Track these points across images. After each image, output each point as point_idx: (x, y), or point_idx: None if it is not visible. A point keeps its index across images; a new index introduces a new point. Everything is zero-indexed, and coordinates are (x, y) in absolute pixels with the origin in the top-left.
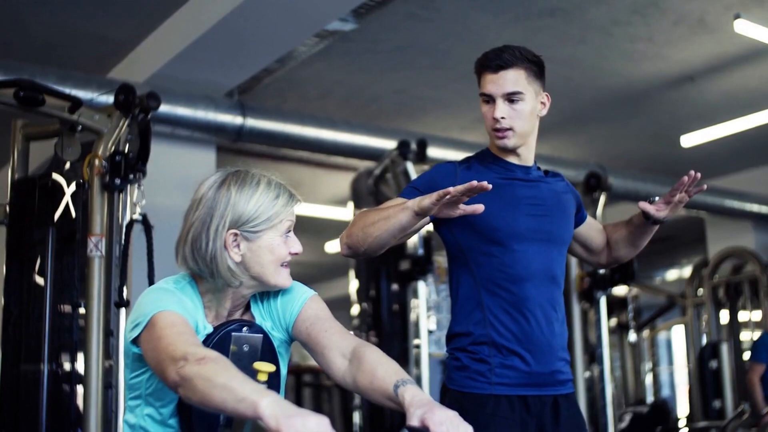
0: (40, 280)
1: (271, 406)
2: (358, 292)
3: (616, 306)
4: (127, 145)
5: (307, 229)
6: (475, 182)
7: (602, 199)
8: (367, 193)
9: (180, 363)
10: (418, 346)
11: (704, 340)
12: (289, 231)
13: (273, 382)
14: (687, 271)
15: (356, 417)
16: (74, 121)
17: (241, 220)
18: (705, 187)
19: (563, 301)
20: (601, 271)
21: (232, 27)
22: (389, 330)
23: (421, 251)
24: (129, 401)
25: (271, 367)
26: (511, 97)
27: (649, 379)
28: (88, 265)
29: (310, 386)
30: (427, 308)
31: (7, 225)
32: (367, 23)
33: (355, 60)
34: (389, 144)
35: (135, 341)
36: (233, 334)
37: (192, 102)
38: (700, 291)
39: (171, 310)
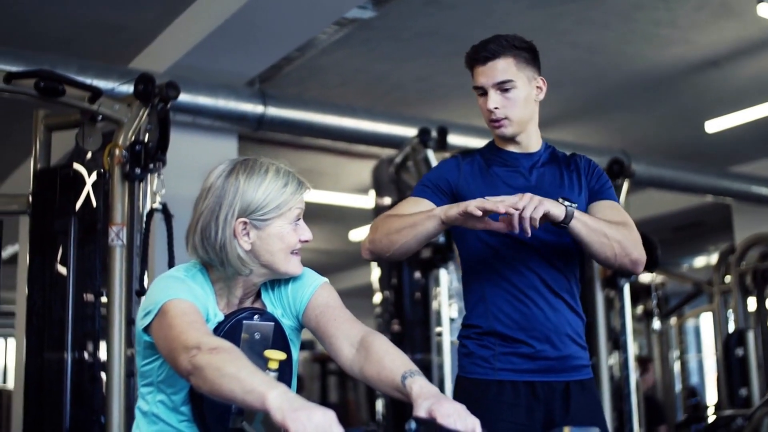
0: (62, 269)
1: (278, 398)
2: (381, 280)
3: (643, 293)
4: (147, 134)
5: (331, 217)
6: (501, 208)
7: (625, 185)
8: (389, 181)
9: (192, 352)
10: (440, 334)
11: (732, 328)
12: (299, 218)
13: (284, 370)
14: (714, 258)
15: (379, 405)
16: (94, 111)
17: (250, 208)
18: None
19: (572, 286)
20: None
21: (252, 15)
22: (411, 318)
23: (442, 239)
24: (141, 388)
25: (282, 355)
26: (502, 86)
27: (677, 367)
28: (109, 255)
29: (335, 374)
30: (449, 296)
31: (30, 215)
32: (387, 10)
33: (376, 48)
34: (411, 132)
35: (146, 329)
36: (244, 322)
37: (213, 91)
38: (728, 278)
39: (181, 298)
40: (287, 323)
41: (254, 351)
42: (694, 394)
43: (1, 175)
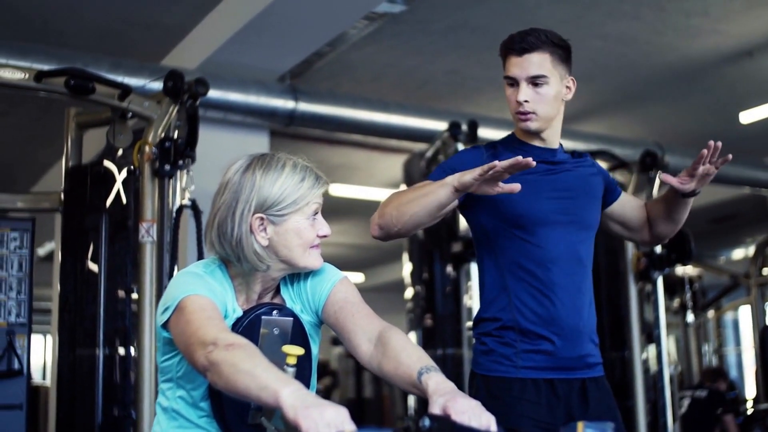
0: (93, 266)
1: (291, 396)
2: (412, 275)
3: (680, 287)
4: (177, 131)
5: (364, 212)
6: (520, 158)
7: (658, 177)
8: (420, 176)
9: (209, 348)
10: (471, 329)
11: None
12: (316, 213)
13: (304, 365)
14: (752, 251)
15: (411, 400)
16: (124, 109)
17: (266, 203)
18: (730, 157)
19: (591, 284)
20: (658, 250)
21: (281, 11)
22: (443, 313)
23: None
24: (161, 384)
25: (300, 351)
26: (535, 81)
27: (714, 361)
28: (139, 251)
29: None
30: None
31: (62, 212)
32: (417, 4)
33: (407, 42)
34: (442, 126)
35: (165, 325)
36: (263, 317)
37: (244, 87)
38: (765, 270)
39: (199, 294)
40: (306, 318)
41: (273, 346)
42: (732, 387)
43: (37, 174)
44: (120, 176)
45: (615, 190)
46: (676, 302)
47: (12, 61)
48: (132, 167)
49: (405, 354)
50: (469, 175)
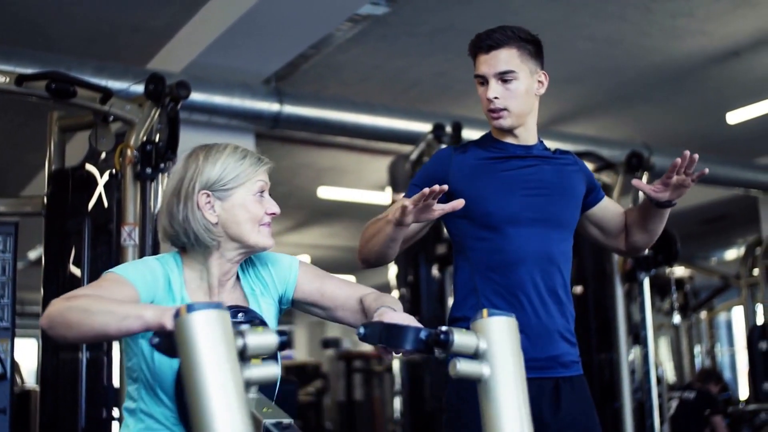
0: (76, 270)
1: (154, 311)
2: (398, 277)
3: (669, 287)
4: (159, 134)
5: (354, 215)
6: (426, 189)
7: (645, 178)
8: (405, 178)
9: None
10: None
11: (761, 321)
12: (262, 191)
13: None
14: (743, 251)
15: (397, 402)
16: (106, 112)
17: (209, 181)
18: (706, 171)
19: (567, 283)
20: (644, 252)
21: (265, 14)
22: (429, 315)
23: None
24: (128, 387)
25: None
26: (504, 77)
27: (707, 362)
28: (122, 254)
29: (360, 372)
30: None
31: (45, 216)
32: (401, 6)
33: (393, 44)
34: (428, 128)
35: None
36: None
37: (228, 90)
38: (756, 271)
39: (119, 273)
40: (266, 304)
41: None
42: (726, 389)
43: (26, 178)
44: (102, 180)
45: (597, 193)
46: (667, 303)
47: None
48: (114, 171)
49: (374, 304)
50: (398, 213)
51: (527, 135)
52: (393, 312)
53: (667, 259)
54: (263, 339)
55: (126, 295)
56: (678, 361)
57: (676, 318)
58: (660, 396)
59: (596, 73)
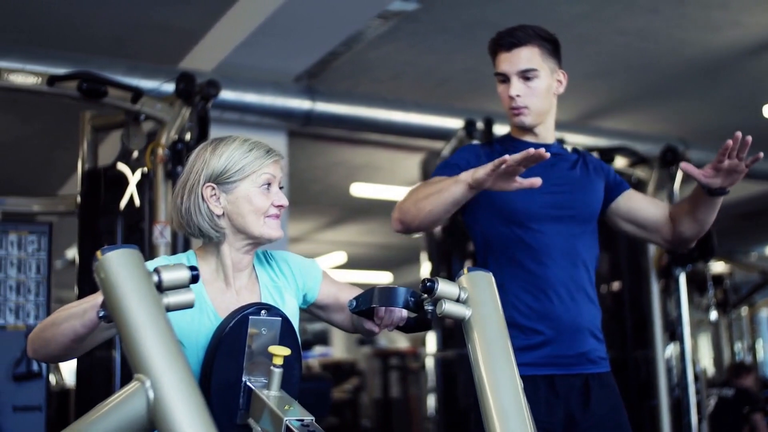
0: None
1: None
2: (431, 274)
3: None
4: (189, 133)
5: (386, 212)
6: (532, 150)
7: (680, 173)
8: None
9: None
10: None
11: None
12: (268, 184)
13: (293, 365)
14: None
15: (431, 400)
16: (137, 111)
17: (214, 173)
18: (761, 155)
19: (592, 279)
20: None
21: (293, 12)
22: None
23: None
24: None
25: (286, 351)
26: (525, 75)
27: (748, 358)
28: (154, 252)
29: (396, 369)
30: None
31: (78, 215)
32: (431, 2)
33: (424, 40)
34: (460, 124)
35: None
36: (251, 317)
37: (260, 88)
38: None
39: None
40: (290, 300)
41: (261, 346)
42: (766, 385)
43: (63, 178)
44: (134, 179)
45: (618, 186)
46: (706, 299)
47: (29, 66)
48: (145, 169)
49: None
50: (481, 171)
51: (546, 133)
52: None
53: (704, 254)
54: (177, 273)
55: None
56: (718, 358)
57: (713, 314)
58: (698, 393)
59: (629, 67)
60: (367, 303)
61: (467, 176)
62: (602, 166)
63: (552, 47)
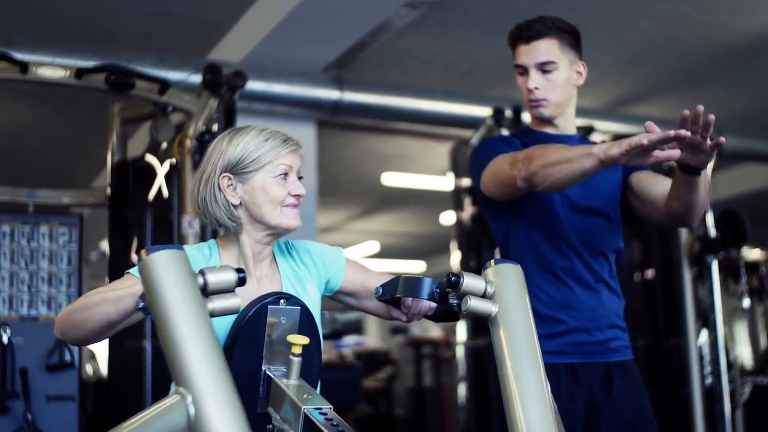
0: (138, 259)
1: (140, 283)
2: (461, 263)
3: (749, 270)
4: (216, 124)
5: (421, 201)
6: (672, 132)
7: (712, 161)
8: (466, 162)
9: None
10: None
11: None
12: (285, 174)
13: (313, 354)
14: None
15: (461, 389)
16: (164, 103)
17: (230, 163)
18: (723, 140)
19: (613, 268)
20: (712, 234)
21: (322, 1)
22: None
23: None
24: None
25: (305, 340)
26: (544, 67)
27: None
28: (182, 242)
29: (429, 358)
30: None
31: (108, 207)
32: None
33: (452, 29)
34: (489, 112)
35: None
36: (270, 306)
37: (288, 78)
38: None
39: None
40: (311, 289)
41: (281, 335)
42: None
43: (95, 170)
44: (162, 170)
45: (638, 168)
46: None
47: (58, 60)
48: (174, 161)
49: None
50: (615, 149)
51: (566, 124)
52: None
53: (736, 241)
54: (223, 275)
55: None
56: (755, 346)
57: (746, 302)
58: (731, 381)
59: (660, 53)
60: (392, 292)
61: (599, 151)
62: None
63: (572, 39)
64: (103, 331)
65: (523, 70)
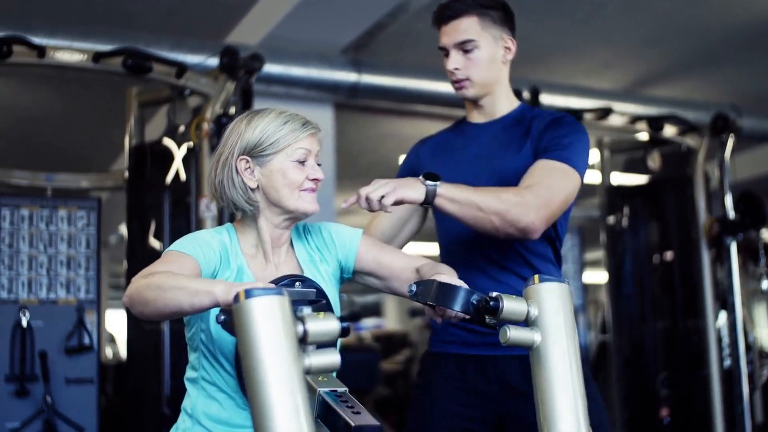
0: (156, 243)
1: (223, 287)
2: None
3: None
4: (233, 107)
5: None
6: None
7: (730, 141)
8: None
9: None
10: None
11: None
12: (304, 158)
13: None
14: None
15: None
16: (182, 86)
17: (248, 146)
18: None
19: (531, 258)
20: (731, 216)
21: None
22: None
23: None
24: (190, 357)
25: None
26: (463, 47)
27: None
28: (201, 227)
29: None
30: None
31: (126, 191)
32: None
33: None
34: None
35: None
36: (286, 289)
37: (305, 61)
38: None
39: (179, 250)
40: (326, 272)
41: None
42: None
43: (113, 154)
44: (179, 153)
45: (543, 147)
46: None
47: (76, 44)
48: (191, 144)
49: (431, 272)
50: None
51: (494, 106)
52: (446, 270)
53: (755, 222)
54: (325, 326)
55: (190, 268)
56: None
57: (765, 284)
58: (750, 363)
59: (679, 33)
60: (426, 297)
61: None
62: (545, 128)
63: (497, 14)
64: (170, 315)
65: (446, 52)
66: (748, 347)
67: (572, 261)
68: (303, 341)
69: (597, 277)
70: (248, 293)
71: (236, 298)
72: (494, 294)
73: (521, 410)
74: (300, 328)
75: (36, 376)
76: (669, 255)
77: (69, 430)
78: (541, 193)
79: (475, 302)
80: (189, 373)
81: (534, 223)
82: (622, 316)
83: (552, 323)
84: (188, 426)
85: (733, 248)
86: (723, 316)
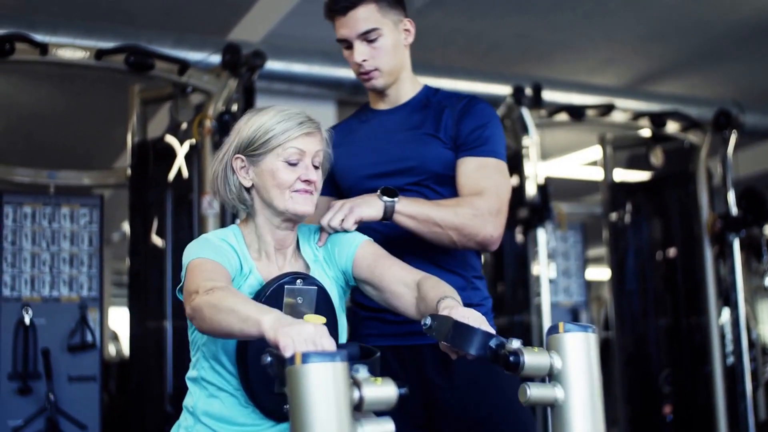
0: (159, 240)
1: (271, 320)
2: None
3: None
4: (236, 104)
5: None
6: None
7: (733, 138)
8: None
9: (192, 296)
10: (539, 294)
11: None
12: (297, 159)
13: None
14: None
15: None
16: (184, 83)
17: (243, 144)
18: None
19: (431, 254)
20: (734, 212)
21: None
22: (513, 280)
23: (538, 198)
24: (192, 357)
25: (322, 320)
26: (367, 37)
27: None
28: (203, 224)
29: None
30: (548, 256)
31: (129, 188)
32: None
33: (473, 6)
34: (510, 90)
35: (181, 293)
36: (287, 287)
37: (307, 58)
38: None
39: (202, 256)
40: (330, 275)
41: (297, 315)
42: None
43: (117, 152)
44: (182, 150)
45: (464, 141)
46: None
47: (78, 41)
48: (193, 141)
49: (433, 292)
50: None
51: (398, 93)
52: (464, 308)
53: (758, 219)
54: (381, 392)
55: (227, 276)
56: None
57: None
58: (753, 360)
59: (681, 29)
60: (440, 336)
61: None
62: (463, 116)
63: None
64: (224, 336)
65: (347, 44)
66: (751, 344)
67: (575, 258)
68: (358, 408)
69: (600, 273)
70: (305, 357)
71: (292, 359)
72: (515, 345)
73: (441, 401)
74: (356, 394)
75: (39, 373)
76: (672, 252)
77: (72, 427)
78: (493, 201)
79: (494, 346)
80: (191, 372)
81: (492, 236)
82: (624, 313)
83: (576, 379)
84: (190, 424)
85: (736, 245)
86: (726, 312)
